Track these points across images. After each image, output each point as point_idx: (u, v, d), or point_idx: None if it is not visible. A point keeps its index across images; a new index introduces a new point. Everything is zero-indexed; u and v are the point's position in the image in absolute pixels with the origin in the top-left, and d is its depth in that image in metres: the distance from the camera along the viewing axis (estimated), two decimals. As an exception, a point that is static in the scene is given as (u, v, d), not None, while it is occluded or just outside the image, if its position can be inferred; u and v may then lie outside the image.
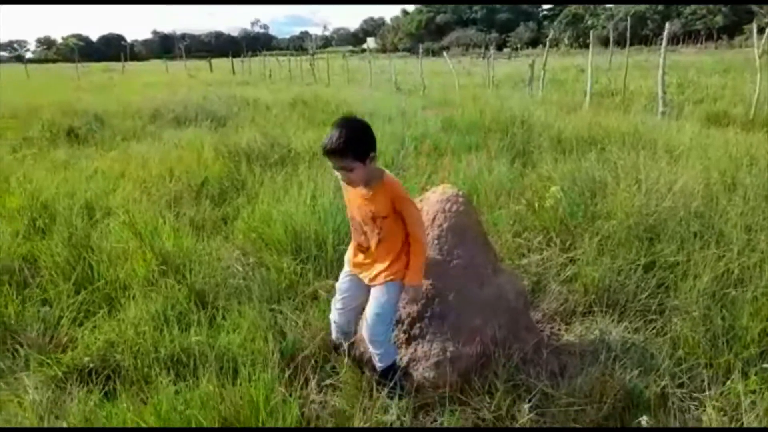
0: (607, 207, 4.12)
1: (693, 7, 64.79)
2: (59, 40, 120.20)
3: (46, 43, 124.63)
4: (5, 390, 2.50)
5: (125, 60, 40.23)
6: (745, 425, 2.26)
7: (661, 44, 9.42)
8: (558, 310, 3.24)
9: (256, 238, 4.00)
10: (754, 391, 2.47)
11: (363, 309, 2.55)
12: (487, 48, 22.89)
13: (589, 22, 70.03)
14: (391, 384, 2.42)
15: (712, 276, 3.20)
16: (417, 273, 2.39)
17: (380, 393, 2.37)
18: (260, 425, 2.08)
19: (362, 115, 9.99)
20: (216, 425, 2.09)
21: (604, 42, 23.77)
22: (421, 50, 22.69)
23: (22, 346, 2.82)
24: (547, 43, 15.00)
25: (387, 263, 2.40)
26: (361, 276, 2.52)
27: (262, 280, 3.40)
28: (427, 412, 2.43)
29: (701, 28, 62.15)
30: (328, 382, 2.59)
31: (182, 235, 3.98)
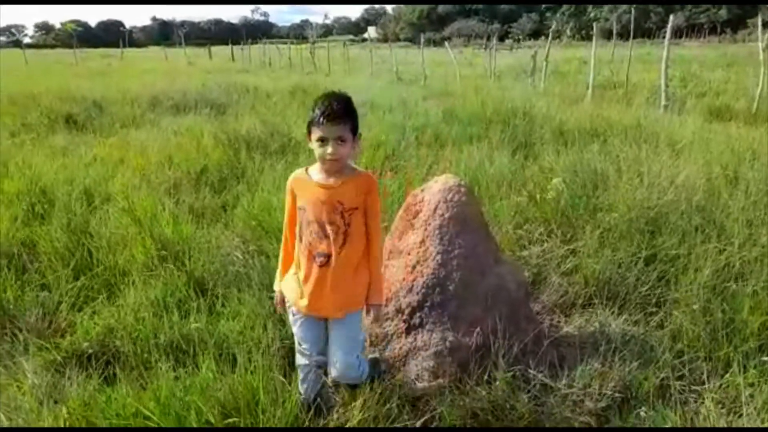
0: (609, 199, 4.11)
1: None
2: (58, 26, 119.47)
3: (45, 28, 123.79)
4: (4, 374, 2.50)
5: (124, 46, 39.97)
6: (743, 417, 2.27)
7: (664, 37, 9.37)
8: (558, 302, 3.24)
9: (256, 225, 3.98)
10: (752, 384, 2.48)
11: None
12: (488, 39, 22.79)
13: (592, 14, 69.65)
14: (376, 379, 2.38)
15: (712, 269, 3.20)
16: (381, 290, 2.25)
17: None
18: (259, 412, 2.08)
19: (363, 105, 9.96)
20: (215, 411, 2.08)
21: (607, 34, 23.66)
22: (422, 40, 22.57)
23: (21, 330, 2.82)
24: (550, 35, 14.89)
25: (347, 282, 2.13)
26: (315, 312, 2.18)
27: (262, 267, 3.39)
28: (426, 401, 2.43)
29: (705, 21, 61.86)
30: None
31: (182, 222, 3.97)
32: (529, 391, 2.43)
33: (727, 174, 4.65)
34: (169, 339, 2.67)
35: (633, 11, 18.31)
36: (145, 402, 2.15)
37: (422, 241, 2.72)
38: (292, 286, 2.21)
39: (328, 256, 2.10)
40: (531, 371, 2.54)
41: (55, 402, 2.29)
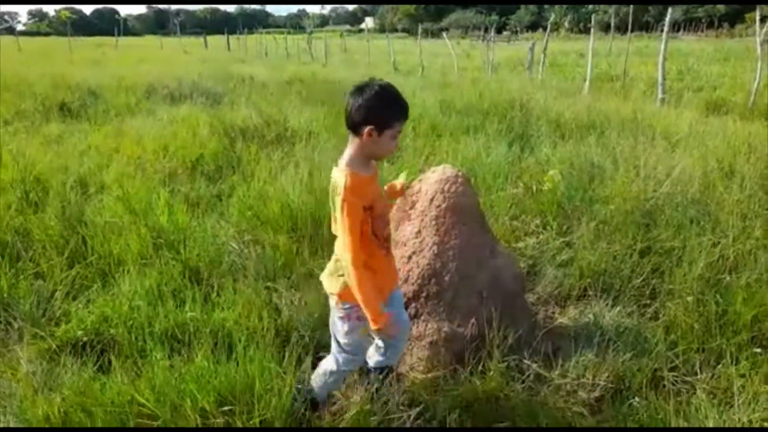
0: (605, 192, 4.12)
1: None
2: (52, 13, 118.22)
3: (38, 15, 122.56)
4: (-1, 362, 2.49)
5: (119, 35, 39.58)
6: (735, 408, 2.29)
7: (662, 31, 9.35)
8: (553, 294, 3.25)
9: (251, 215, 3.98)
10: (743, 375, 2.50)
11: None
12: (486, 31, 22.69)
13: (590, 7, 69.44)
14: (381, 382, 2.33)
15: (707, 262, 3.22)
16: None
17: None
18: (255, 401, 2.08)
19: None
20: (211, 399, 2.09)
21: (605, 27, 23.59)
22: (420, 31, 22.46)
23: (15, 319, 2.81)
24: (548, 27, 14.85)
25: None
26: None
27: (257, 257, 3.39)
28: (420, 391, 2.44)
29: (702, 15, 61.73)
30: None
31: (177, 211, 3.95)
32: (523, 381, 2.45)
33: (723, 167, 4.67)
34: (164, 328, 2.66)
35: (631, 5, 18.25)
36: (141, 390, 2.15)
37: (419, 232, 2.72)
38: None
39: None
40: (525, 361, 2.55)
41: (50, 390, 2.28)
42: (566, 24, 42.49)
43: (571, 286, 3.27)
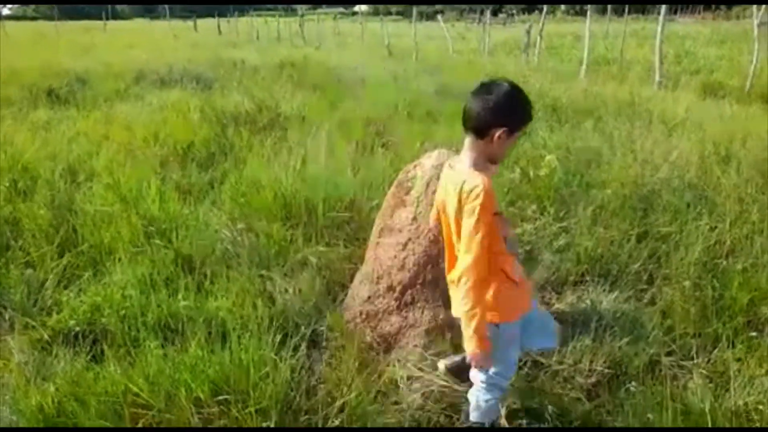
0: (602, 177, 4.10)
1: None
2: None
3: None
4: (-10, 352, 2.46)
5: (107, 19, 38.93)
6: (730, 392, 2.29)
7: (659, 13, 9.26)
8: (550, 279, 3.23)
9: (244, 203, 3.93)
10: (739, 359, 2.51)
11: None
12: (482, 13, 22.48)
13: (585, -11, 68.80)
14: None
15: (703, 246, 3.21)
16: None
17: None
18: (250, 389, 2.06)
19: (353, 80, 9.82)
20: (205, 388, 2.06)
21: (602, 10, 23.42)
22: (414, 14, 22.22)
23: (6, 308, 2.78)
24: (544, 9, 14.68)
25: None
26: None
27: (250, 245, 3.35)
28: (417, 379, 2.43)
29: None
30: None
31: (168, 199, 3.90)
32: (520, 368, 2.43)
33: (720, 152, 4.65)
34: (157, 317, 2.63)
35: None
36: (134, 379, 2.12)
37: (414, 218, 2.68)
38: (519, 294, 1.94)
39: None
40: (523, 347, 2.53)
41: (43, 380, 2.26)
42: (563, 6, 42.16)
43: (569, 272, 3.26)
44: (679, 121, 5.58)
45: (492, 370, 1.96)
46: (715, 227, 3.40)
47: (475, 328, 1.74)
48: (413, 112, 6.90)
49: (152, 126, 6.15)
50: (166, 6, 41.27)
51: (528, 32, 13.80)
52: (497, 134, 1.76)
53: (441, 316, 2.56)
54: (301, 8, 31.59)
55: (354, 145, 5.22)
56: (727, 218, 3.45)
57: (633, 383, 2.38)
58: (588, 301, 2.98)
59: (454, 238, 1.88)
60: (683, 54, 14.34)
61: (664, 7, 9.08)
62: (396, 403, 2.23)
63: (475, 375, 2.04)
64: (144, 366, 2.19)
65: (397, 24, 33.73)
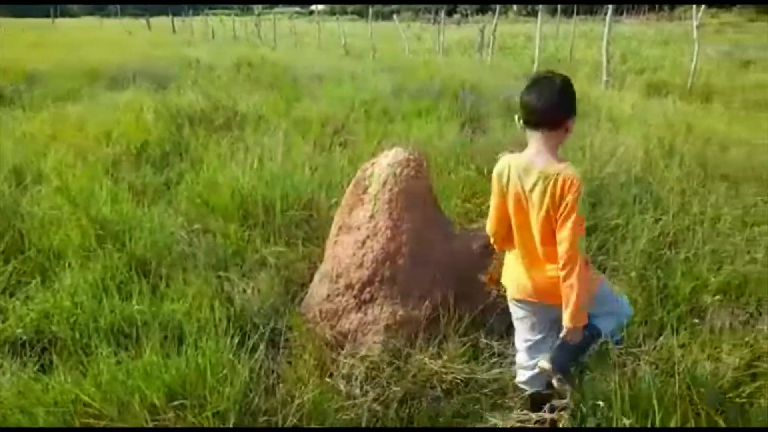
0: (554, 172, 4.20)
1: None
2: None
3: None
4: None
5: (55, 16, 37.42)
6: (675, 377, 2.40)
7: (606, 14, 9.58)
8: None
9: (200, 203, 3.86)
10: (683, 345, 2.63)
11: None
12: (437, 13, 22.70)
13: (538, -9, 70.36)
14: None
15: (649, 238, 3.35)
16: None
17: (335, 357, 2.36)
18: (207, 393, 2.03)
19: (311, 78, 9.77)
20: (160, 394, 2.03)
21: (552, 11, 24.04)
22: (370, 13, 22.24)
23: (-54, 318, 2.64)
24: (497, 10, 14.98)
25: None
26: None
27: (207, 246, 3.30)
28: (375, 376, 2.44)
29: (644, -1, 63.69)
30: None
31: (121, 200, 3.79)
32: (483, 363, 2.49)
33: (664, 147, 4.86)
34: (110, 322, 2.56)
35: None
36: (85, 388, 2.06)
37: (372, 216, 2.71)
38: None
39: None
40: (482, 340, 2.60)
41: (-13, 391, 2.16)
42: (515, 7, 43.02)
43: (523, 266, 3.33)
44: (626, 118, 5.81)
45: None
46: (660, 219, 3.55)
47: (583, 304, 1.89)
48: (371, 111, 6.93)
49: (105, 126, 5.96)
50: (118, 4, 39.91)
51: (482, 32, 14.04)
52: (569, 124, 1.90)
53: (400, 313, 2.59)
54: (257, 7, 31.08)
55: (312, 144, 5.20)
56: (670, 210, 3.61)
57: (587, 371, 2.46)
58: (542, 294, 3.05)
59: (535, 230, 1.96)
60: (629, 54, 14.90)
61: (610, 9, 9.40)
62: (353, 398, 2.24)
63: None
64: (96, 374, 2.13)
65: (353, 24, 33.65)
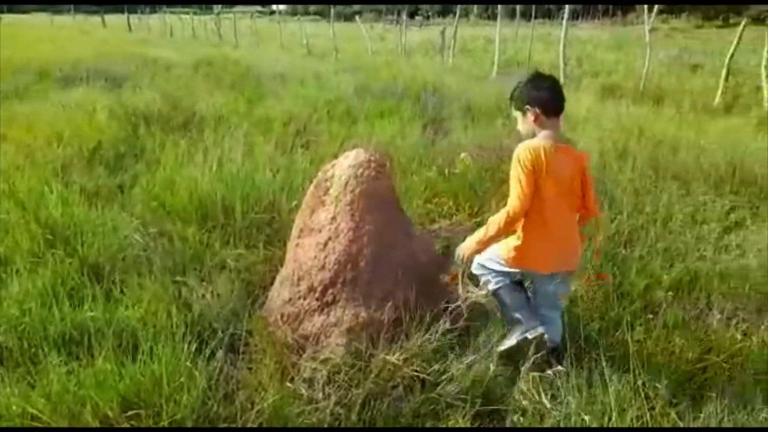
0: (513, 173, 4.27)
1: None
2: None
3: None
4: None
5: (1, 12, 35.82)
6: (630, 370, 2.47)
7: (563, 18, 9.83)
8: (467, 273, 3.33)
9: (157, 206, 3.75)
10: (639, 341, 2.71)
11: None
12: (399, 15, 22.81)
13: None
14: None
15: (604, 237, 3.44)
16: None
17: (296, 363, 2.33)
18: (163, 401, 1.97)
19: (273, 78, 9.65)
20: (114, 404, 1.95)
21: (511, 14, 24.50)
22: (332, 14, 22.16)
23: None
24: (458, 13, 15.16)
25: None
26: None
27: (164, 250, 3.20)
28: (337, 378, 2.42)
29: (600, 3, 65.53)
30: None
31: (72, 203, 3.65)
32: (443, 361, 2.50)
33: (617, 148, 5.01)
34: (60, 330, 2.45)
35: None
36: (34, 400, 1.97)
37: (333, 218, 2.68)
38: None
39: None
40: (441, 339, 2.60)
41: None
42: (475, 10, 43.66)
43: (483, 265, 3.37)
44: (581, 119, 5.95)
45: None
46: (615, 218, 3.66)
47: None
48: (333, 112, 6.89)
49: (55, 126, 5.72)
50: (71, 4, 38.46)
51: (443, 35, 14.18)
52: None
53: (362, 314, 2.57)
54: (217, 6, 30.51)
55: (273, 145, 5.13)
56: (624, 210, 3.73)
57: (549, 369, 2.50)
58: (502, 293, 3.09)
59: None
60: (584, 57, 15.32)
61: (567, 13, 9.64)
62: (315, 401, 2.22)
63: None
64: (45, 385, 2.04)
65: (315, 24, 33.45)
